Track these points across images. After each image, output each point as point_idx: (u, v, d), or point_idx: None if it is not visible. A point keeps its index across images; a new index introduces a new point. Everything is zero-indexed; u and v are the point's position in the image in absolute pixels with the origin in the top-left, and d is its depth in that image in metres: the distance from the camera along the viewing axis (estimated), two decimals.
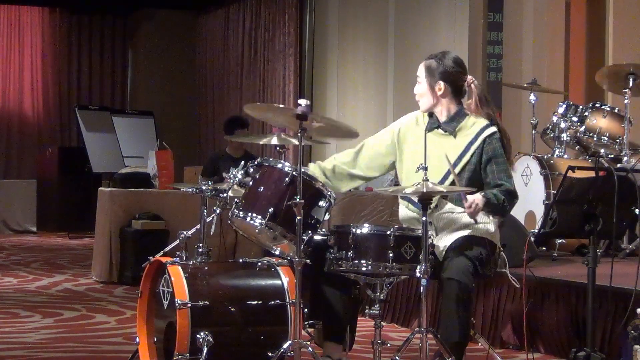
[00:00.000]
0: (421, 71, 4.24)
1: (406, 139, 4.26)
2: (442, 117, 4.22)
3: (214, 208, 4.48)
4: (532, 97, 6.99)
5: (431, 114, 4.26)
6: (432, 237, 4.00)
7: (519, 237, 5.32)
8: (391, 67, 10.15)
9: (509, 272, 4.22)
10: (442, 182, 4.10)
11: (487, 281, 5.00)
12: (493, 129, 4.18)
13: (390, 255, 3.79)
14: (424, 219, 3.73)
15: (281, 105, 4.11)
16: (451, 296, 3.89)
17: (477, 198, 3.98)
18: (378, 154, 4.33)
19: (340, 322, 4.06)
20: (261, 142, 4.28)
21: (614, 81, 6.85)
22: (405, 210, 4.26)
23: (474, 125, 4.17)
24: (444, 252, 4.03)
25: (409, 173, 4.19)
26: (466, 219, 4.07)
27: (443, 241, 4.06)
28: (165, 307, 4.04)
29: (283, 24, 12.13)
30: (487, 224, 4.12)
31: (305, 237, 3.86)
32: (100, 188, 8.67)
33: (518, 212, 5.90)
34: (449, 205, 4.12)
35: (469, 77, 4.27)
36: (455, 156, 4.13)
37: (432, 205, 4.03)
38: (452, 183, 4.06)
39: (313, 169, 4.29)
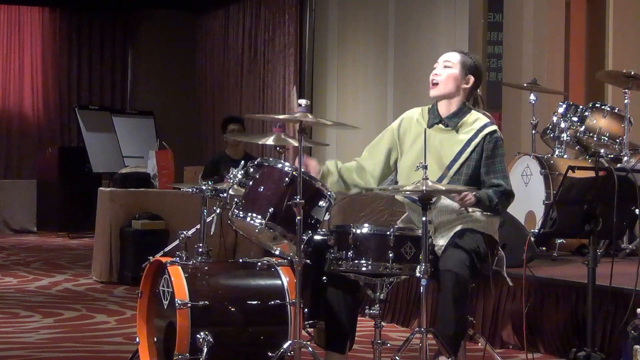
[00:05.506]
0: (455, 58, 4.23)
1: (406, 136, 4.25)
2: (447, 111, 4.21)
3: (214, 208, 4.48)
4: (532, 97, 6.98)
5: (432, 109, 4.24)
6: (431, 237, 4.00)
7: (519, 237, 5.32)
8: (391, 67, 10.14)
9: (505, 271, 4.21)
10: (439, 180, 4.09)
11: (487, 281, 5.00)
12: (494, 127, 4.17)
13: (390, 255, 3.79)
14: (423, 219, 3.73)
15: (280, 116, 4.05)
16: (447, 288, 3.88)
17: (469, 193, 3.97)
18: (379, 150, 4.30)
19: (342, 328, 4.04)
20: (261, 142, 4.27)
21: (614, 82, 6.86)
22: (410, 212, 4.25)
23: (476, 122, 4.16)
24: (441, 250, 4.02)
25: (408, 171, 4.17)
26: (464, 214, 4.06)
27: (442, 238, 4.06)
28: (165, 307, 4.05)
29: (283, 24, 12.12)
30: (487, 220, 4.11)
31: (305, 237, 3.86)
32: (100, 188, 8.67)
33: (518, 212, 5.90)
34: (446, 202, 4.09)
35: None
36: (455, 152, 4.13)
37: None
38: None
39: (329, 165, 4.28)
